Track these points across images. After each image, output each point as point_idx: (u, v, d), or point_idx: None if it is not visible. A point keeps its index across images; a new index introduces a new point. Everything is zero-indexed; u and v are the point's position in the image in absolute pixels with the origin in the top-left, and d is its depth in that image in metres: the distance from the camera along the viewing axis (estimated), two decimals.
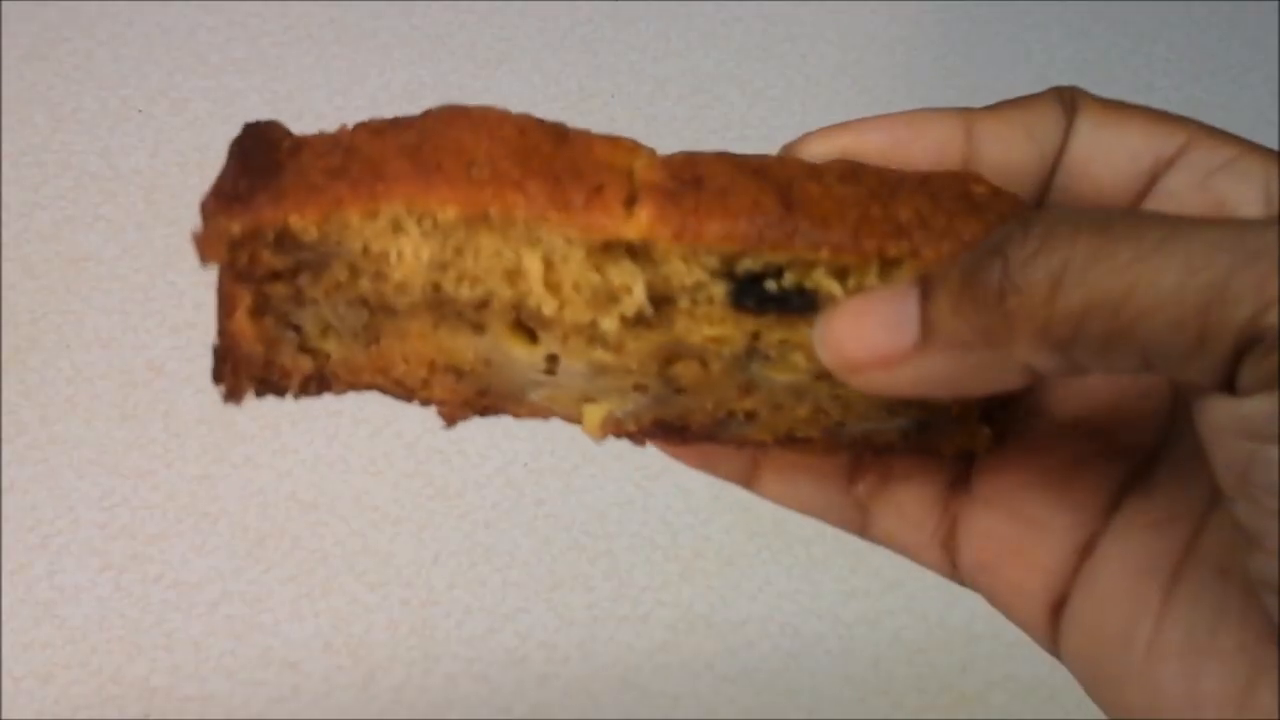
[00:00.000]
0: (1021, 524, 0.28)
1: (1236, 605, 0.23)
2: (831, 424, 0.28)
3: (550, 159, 0.25)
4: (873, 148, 0.27)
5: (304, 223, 0.25)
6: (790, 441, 0.28)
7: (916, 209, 0.25)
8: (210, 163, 0.91)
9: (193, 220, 0.80)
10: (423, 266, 0.26)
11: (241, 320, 0.27)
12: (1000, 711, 0.69)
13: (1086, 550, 0.27)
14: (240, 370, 0.28)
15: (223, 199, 0.26)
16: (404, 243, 0.25)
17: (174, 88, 0.94)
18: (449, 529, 0.74)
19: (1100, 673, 0.27)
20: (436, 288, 0.26)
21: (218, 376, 0.27)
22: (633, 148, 0.26)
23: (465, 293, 0.26)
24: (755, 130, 0.95)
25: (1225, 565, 0.24)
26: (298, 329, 0.28)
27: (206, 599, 0.71)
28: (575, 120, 0.26)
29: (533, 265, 0.25)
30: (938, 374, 0.23)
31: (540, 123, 0.26)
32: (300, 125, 0.27)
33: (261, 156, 0.26)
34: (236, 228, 0.25)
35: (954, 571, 0.30)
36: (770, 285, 0.25)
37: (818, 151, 0.27)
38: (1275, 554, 0.21)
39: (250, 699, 0.68)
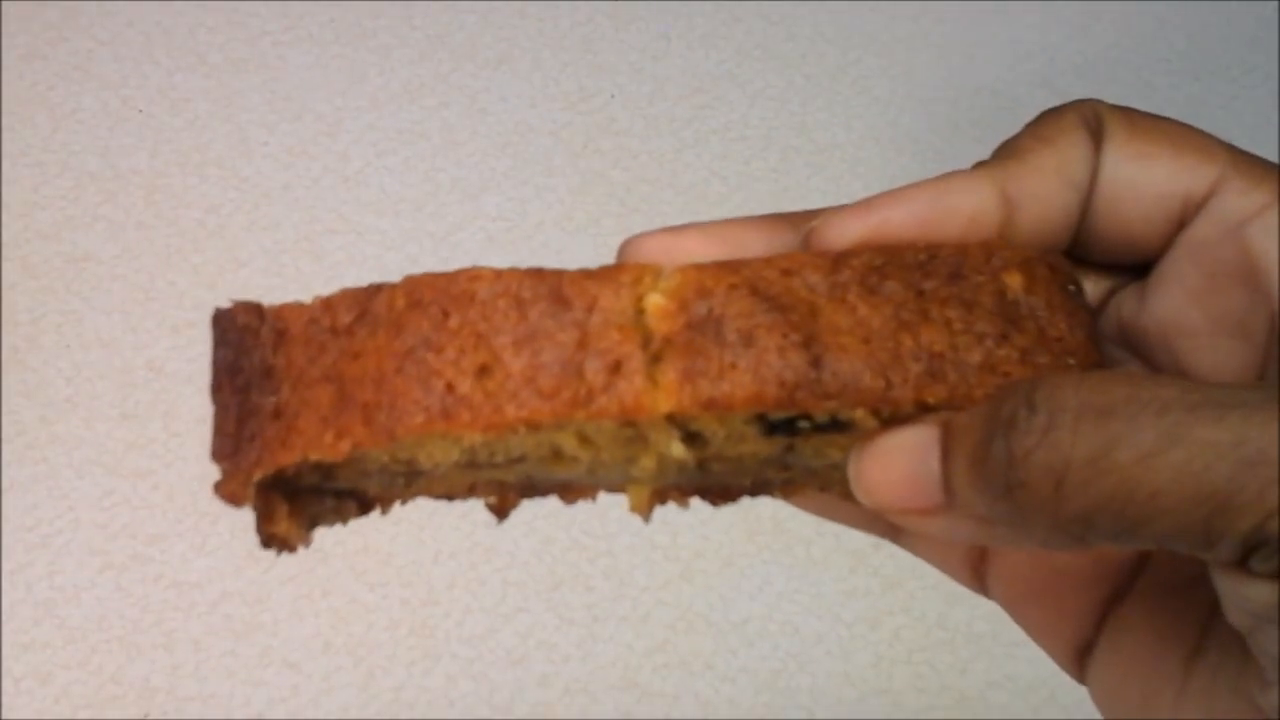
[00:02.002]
0: (1048, 569, 0.28)
1: (1255, 690, 0.23)
2: None
3: (557, 340, 0.23)
4: (901, 231, 0.25)
5: (325, 456, 0.24)
6: (823, 489, 0.29)
7: (949, 328, 0.24)
8: (210, 163, 0.91)
9: (193, 219, 0.80)
10: (453, 458, 0.25)
11: (285, 525, 0.26)
12: (1000, 711, 0.68)
13: (1112, 603, 0.27)
14: (291, 545, 0.28)
15: (229, 443, 0.24)
16: (432, 449, 0.25)
17: (174, 88, 0.94)
18: (449, 529, 0.74)
19: None
20: (470, 460, 0.26)
21: (267, 548, 0.27)
22: (635, 278, 0.24)
23: (500, 459, 0.26)
24: (755, 130, 0.95)
25: (1245, 643, 0.24)
26: (336, 492, 0.28)
27: (206, 599, 0.71)
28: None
29: (566, 441, 0.25)
30: (965, 534, 0.24)
31: (533, 281, 0.24)
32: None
33: (248, 364, 0.24)
34: (258, 475, 0.24)
35: (984, 592, 0.30)
36: (803, 424, 0.25)
37: (843, 236, 0.25)
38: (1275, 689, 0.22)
39: (250, 699, 0.68)
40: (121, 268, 0.84)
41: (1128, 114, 0.26)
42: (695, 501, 0.30)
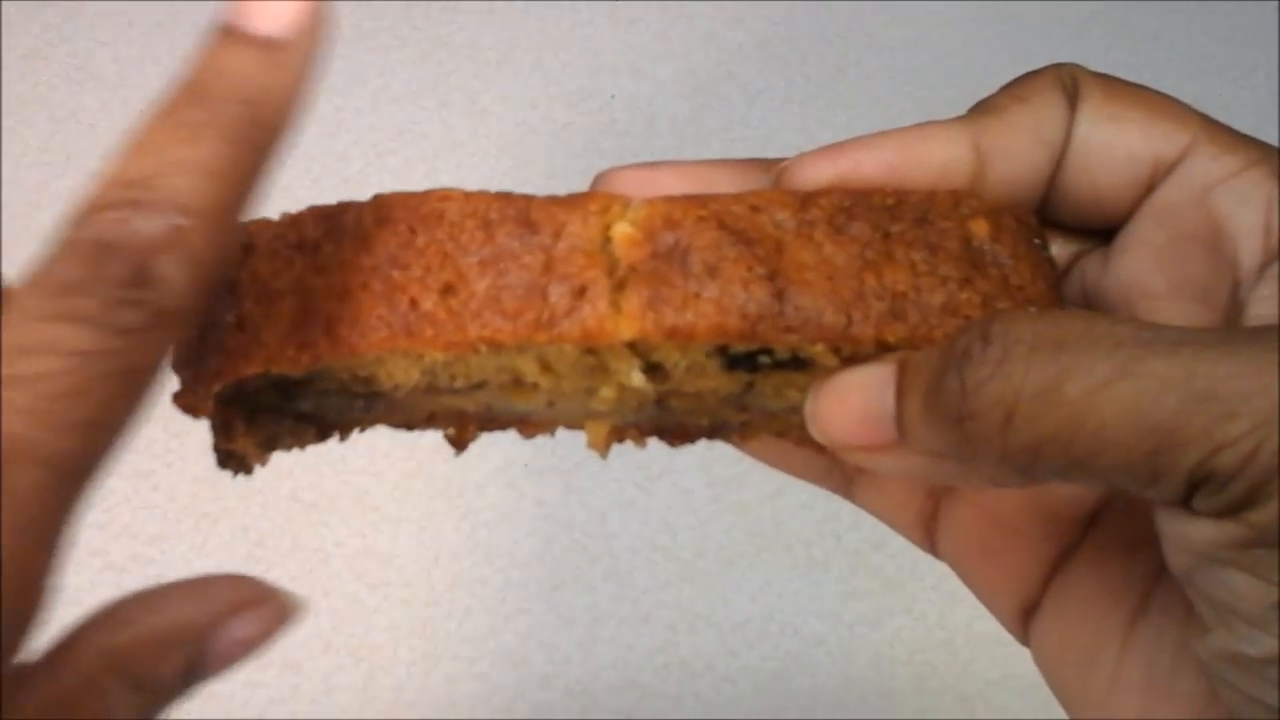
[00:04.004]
0: (998, 527, 0.28)
1: (1195, 640, 0.23)
2: None
3: (523, 262, 0.23)
4: (872, 176, 0.25)
5: (286, 369, 0.24)
6: (779, 434, 0.29)
7: (913, 270, 0.24)
8: None
9: None
10: (413, 379, 0.25)
11: (242, 442, 0.26)
12: (1000, 711, 0.68)
13: (1060, 562, 0.27)
14: (247, 465, 0.27)
15: (190, 353, 0.24)
16: (393, 368, 0.25)
17: None
18: (449, 529, 0.74)
19: (1064, 688, 0.27)
20: (430, 384, 0.25)
21: (224, 468, 0.27)
22: (604, 206, 0.24)
23: (460, 383, 0.26)
24: (755, 130, 0.95)
25: (1187, 600, 0.24)
26: (295, 414, 0.27)
27: None
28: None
29: (527, 366, 0.25)
30: (916, 470, 0.24)
31: (502, 204, 0.24)
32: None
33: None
34: (218, 386, 0.24)
35: (933, 551, 0.30)
36: (764, 359, 0.25)
37: (814, 178, 0.25)
38: (1216, 635, 0.21)
39: (250, 699, 0.68)
40: None
41: (1104, 78, 0.26)
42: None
